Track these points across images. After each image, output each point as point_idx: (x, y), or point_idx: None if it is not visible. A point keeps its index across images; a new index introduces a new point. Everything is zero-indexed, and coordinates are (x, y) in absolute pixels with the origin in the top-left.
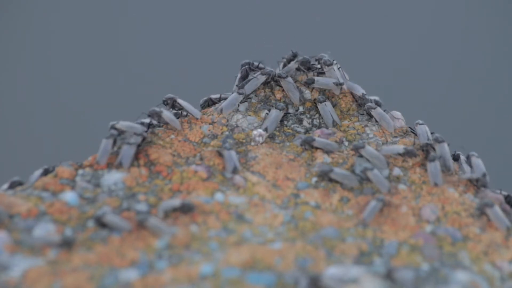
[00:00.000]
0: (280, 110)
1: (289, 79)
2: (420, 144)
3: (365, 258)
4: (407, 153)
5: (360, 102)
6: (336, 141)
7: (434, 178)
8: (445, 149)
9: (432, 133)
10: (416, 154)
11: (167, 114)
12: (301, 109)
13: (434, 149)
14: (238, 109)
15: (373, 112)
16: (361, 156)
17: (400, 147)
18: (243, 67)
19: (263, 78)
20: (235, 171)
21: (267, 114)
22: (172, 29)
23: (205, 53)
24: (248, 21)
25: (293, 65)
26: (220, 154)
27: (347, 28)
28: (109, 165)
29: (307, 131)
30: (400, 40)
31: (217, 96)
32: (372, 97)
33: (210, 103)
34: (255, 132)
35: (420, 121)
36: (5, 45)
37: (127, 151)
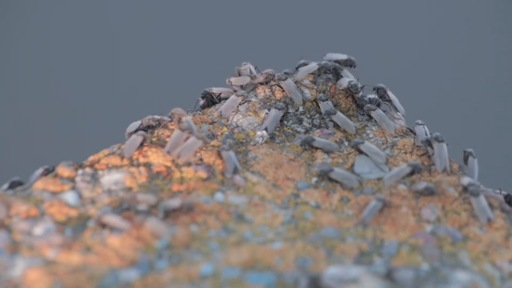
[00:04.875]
0: (279, 109)
1: (289, 81)
2: (420, 141)
3: (365, 258)
4: (415, 169)
5: (359, 103)
6: (336, 141)
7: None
8: (443, 149)
9: (431, 134)
10: (422, 169)
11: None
12: (301, 109)
13: (432, 146)
14: (238, 109)
15: (373, 114)
16: (360, 152)
17: (404, 168)
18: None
19: (261, 78)
20: (235, 171)
21: (267, 114)
22: (172, 28)
23: (204, 52)
24: (248, 21)
25: (314, 66)
26: (219, 155)
27: (347, 28)
28: (109, 165)
29: (307, 131)
30: (400, 40)
31: (219, 91)
32: (380, 85)
33: (209, 98)
34: (258, 132)
35: (419, 121)
36: (5, 45)
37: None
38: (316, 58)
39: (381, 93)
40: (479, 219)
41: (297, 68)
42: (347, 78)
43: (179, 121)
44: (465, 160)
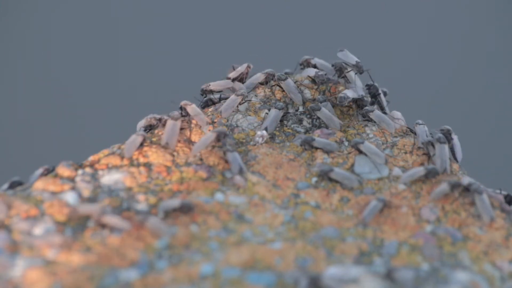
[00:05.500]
0: (279, 109)
1: (289, 81)
2: (421, 143)
3: (365, 258)
4: (429, 173)
5: (359, 103)
6: (336, 141)
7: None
8: (444, 150)
9: (431, 134)
10: (438, 173)
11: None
12: (301, 109)
13: (434, 147)
14: (238, 109)
15: (371, 115)
16: (360, 152)
17: (420, 169)
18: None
19: (261, 78)
20: (241, 172)
21: (267, 114)
22: (172, 28)
23: (204, 52)
24: (248, 21)
25: (311, 72)
26: (224, 156)
27: (347, 28)
28: (109, 165)
29: (307, 131)
30: (400, 40)
31: (216, 85)
32: (383, 88)
33: (209, 93)
34: (258, 132)
35: (420, 121)
36: (5, 44)
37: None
38: (318, 56)
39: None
40: (482, 217)
41: (300, 64)
42: (346, 91)
43: (185, 110)
44: (448, 139)
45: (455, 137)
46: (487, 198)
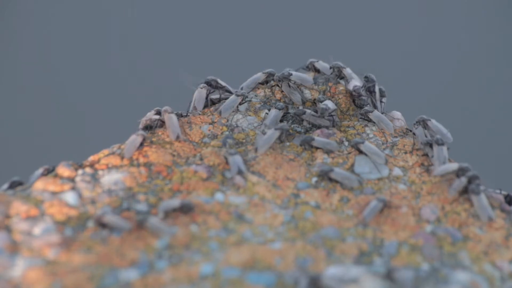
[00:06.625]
0: (279, 109)
1: None
2: (420, 143)
3: (365, 258)
4: (461, 170)
5: (358, 103)
6: (336, 141)
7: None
8: (442, 151)
9: (432, 136)
10: (470, 169)
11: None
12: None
13: (432, 148)
14: (238, 109)
15: (371, 116)
16: (360, 152)
17: (454, 165)
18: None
19: (263, 76)
20: (240, 174)
21: (267, 114)
22: (172, 28)
23: (205, 52)
24: (248, 21)
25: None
26: (225, 159)
27: (347, 27)
28: (109, 165)
29: (307, 131)
30: (400, 39)
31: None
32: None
33: (214, 85)
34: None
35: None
36: (5, 44)
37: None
38: (319, 57)
39: (337, 72)
40: (480, 218)
41: (306, 67)
42: (327, 102)
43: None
44: (425, 125)
45: (432, 122)
46: (484, 198)
